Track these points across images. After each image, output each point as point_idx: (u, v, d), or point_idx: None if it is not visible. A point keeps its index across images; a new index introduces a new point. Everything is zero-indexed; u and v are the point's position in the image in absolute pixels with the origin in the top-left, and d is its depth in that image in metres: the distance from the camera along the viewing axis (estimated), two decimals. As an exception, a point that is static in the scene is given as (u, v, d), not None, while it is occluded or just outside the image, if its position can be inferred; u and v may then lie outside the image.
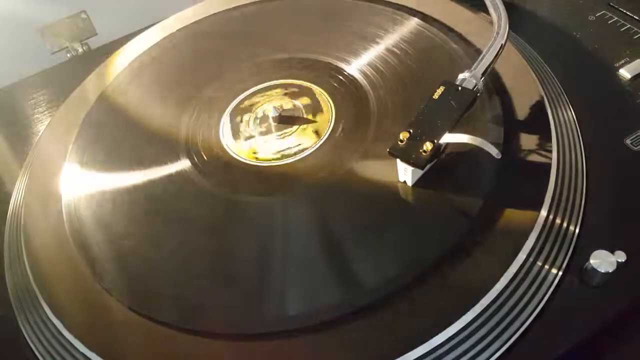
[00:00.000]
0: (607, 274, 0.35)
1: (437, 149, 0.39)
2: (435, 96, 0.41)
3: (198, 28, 0.60)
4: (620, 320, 0.35)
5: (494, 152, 0.37)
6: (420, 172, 0.40)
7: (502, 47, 0.43)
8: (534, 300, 0.35)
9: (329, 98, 0.49)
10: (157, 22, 0.63)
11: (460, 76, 0.42)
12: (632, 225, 0.39)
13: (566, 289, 0.36)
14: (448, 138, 0.38)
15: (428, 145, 0.38)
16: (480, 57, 0.43)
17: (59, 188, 0.46)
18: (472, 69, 0.42)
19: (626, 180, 0.42)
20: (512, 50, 0.49)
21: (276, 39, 0.57)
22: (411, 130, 0.39)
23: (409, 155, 0.38)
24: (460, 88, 0.41)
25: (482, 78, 0.42)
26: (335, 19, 0.57)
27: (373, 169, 0.43)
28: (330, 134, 0.46)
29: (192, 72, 0.55)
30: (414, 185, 0.40)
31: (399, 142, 0.39)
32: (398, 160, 0.39)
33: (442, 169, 0.41)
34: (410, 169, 0.39)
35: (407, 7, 0.56)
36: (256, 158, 0.46)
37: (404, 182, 0.40)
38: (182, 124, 0.50)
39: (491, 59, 0.43)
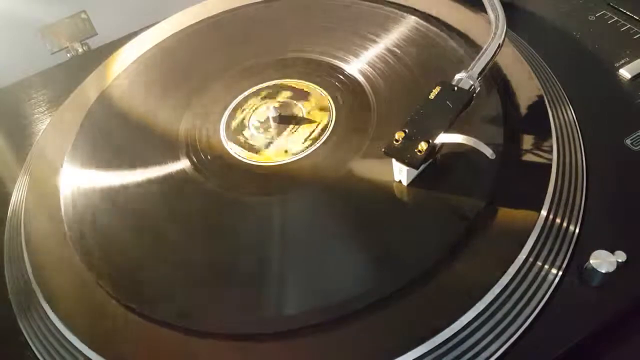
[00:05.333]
0: (607, 274, 0.35)
1: (432, 149, 0.39)
2: (432, 96, 0.41)
3: (198, 28, 0.60)
4: (620, 320, 0.35)
5: (488, 152, 0.37)
6: (415, 172, 0.40)
7: (499, 47, 0.43)
8: (534, 300, 0.35)
9: (329, 98, 0.49)
10: (157, 22, 0.63)
11: (457, 76, 0.42)
12: (632, 225, 0.39)
13: (566, 289, 0.36)
14: (443, 138, 0.38)
15: (423, 145, 0.38)
16: (477, 58, 0.43)
17: (58, 188, 0.46)
18: (469, 69, 0.42)
19: (626, 180, 0.42)
20: (512, 50, 0.49)
21: (276, 39, 0.57)
22: (407, 130, 0.39)
23: (403, 155, 0.38)
24: (456, 88, 0.41)
25: (479, 78, 0.42)
26: (335, 19, 0.57)
27: (373, 169, 0.43)
28: (330, 133, 0.46)
29: (192, 72, 0.55)
30: (412, 184, 0.40)
31: (394, 142, 0.39)
32: (393, 160, 0.39)
33: (443, 169, 0.41)
34: (405, 168, 0.39)
35: (407, 6, 0.56)
36: (256, 158, 0.46)
37: (400, 181, 0.41)
38: (182, 124, 0.50)
39: (488, 60, 0.43)
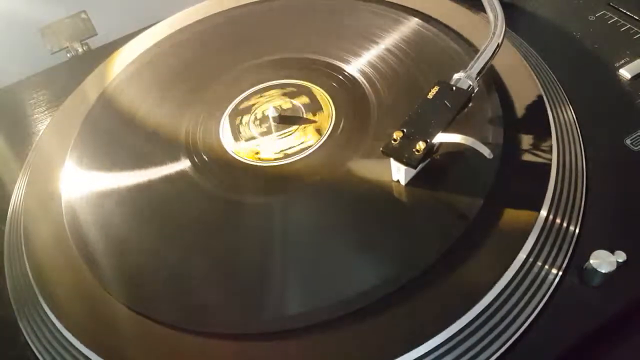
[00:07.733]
0: (607, 274, 0.35)
1: (430, 149, 0.39)
2: (430, 96, 0.41)
3: (198, 28, 0.60)
4: (620, 320, 0.35)
5: (486, 152, 0.37)
6: (413, 172, 0.40)
7: (498, 47, 0.43)
8: (534, 300, 0.35)
9: (328, 98, 0.49)
10: (157, 22, 0.63)
11: (455, 76, 0.42)
12: (632, 225, 0.39)
13: (566, 289, 0.36)
14: (441, 138, 0.38)
15: (421, 145, 0.38)
16: (476, 57, 0.43)
17: (59, 188, 0.46)
18: (468, 69, 0.42)
19: (626, 180, 0.42)
20: (511, 50, 0.49)
21: (276, 39, 0.57)
22: (405, 130, 0.39)
23: (401, 154, 0.38)
24: (454, 88, 0.41)
25: (477, 78, 0.42)
26: (335, 19, 0.57)
27: (373, 169, 0.43)
28: (330, 133, 0.46)
29: (192, 72, 0.55)
30: (410, 184, 0.40)
31: (392, 142, 0.39)
32: (391, 160, 0.39)
33: (441, 169, 0.41)
34: (403, 168, 0.39)
35: (407, 7, 0.56)
36: (256, 158, 0.46)
37: (397, 181, 0.41)
38: (182, 124, 0.50)
39: (487, 60, 0.43)
